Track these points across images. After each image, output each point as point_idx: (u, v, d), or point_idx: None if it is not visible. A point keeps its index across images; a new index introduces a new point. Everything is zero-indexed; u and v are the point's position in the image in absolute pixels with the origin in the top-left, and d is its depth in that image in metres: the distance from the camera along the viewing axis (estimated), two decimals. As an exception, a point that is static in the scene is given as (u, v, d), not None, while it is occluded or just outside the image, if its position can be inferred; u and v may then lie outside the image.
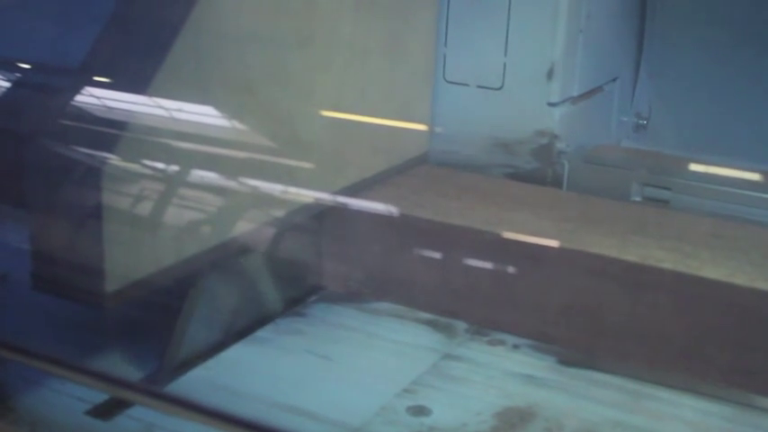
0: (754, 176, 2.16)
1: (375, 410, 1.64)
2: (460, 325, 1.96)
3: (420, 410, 1.65)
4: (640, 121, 2.79)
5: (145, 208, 1.62)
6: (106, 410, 1.56)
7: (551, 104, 2.26)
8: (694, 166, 2.21)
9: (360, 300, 2.04)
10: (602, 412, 1.67)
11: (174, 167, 1.70)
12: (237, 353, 1.83)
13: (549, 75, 2.26)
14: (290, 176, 1.91)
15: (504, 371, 1.80)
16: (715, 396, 1.71)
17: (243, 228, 1.83)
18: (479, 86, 2.32)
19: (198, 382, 1.72)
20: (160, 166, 1.68)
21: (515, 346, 1.89)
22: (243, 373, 1.76)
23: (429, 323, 1.97)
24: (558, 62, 2.26)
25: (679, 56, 2.71)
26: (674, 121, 2.77)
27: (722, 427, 1.65)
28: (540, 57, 2.27)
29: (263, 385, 1.70)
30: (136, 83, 1.60)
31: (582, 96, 2.40)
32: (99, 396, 1.57)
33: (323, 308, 2.03)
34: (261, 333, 1.90)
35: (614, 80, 2.62)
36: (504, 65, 2.29)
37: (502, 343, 1.91)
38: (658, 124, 2.79)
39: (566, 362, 1.84)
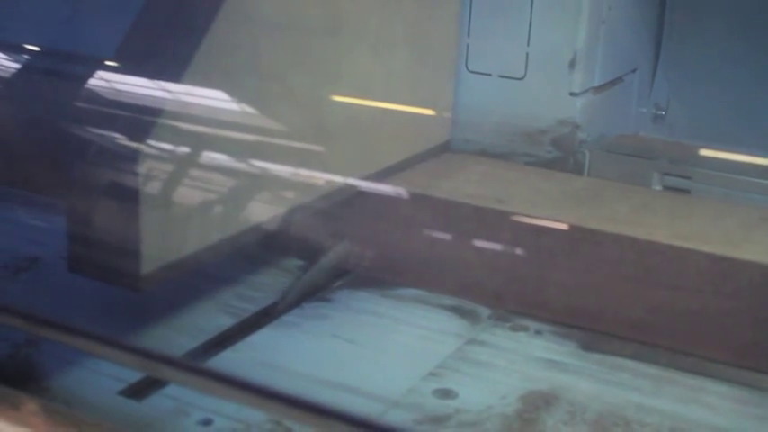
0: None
1: (402, 393, 1.67)
2: (483, 311, 1.99)
3: (446, 393, 1.68)
4: (658, 112, 2.80)
5: (179, 192, 1.66)
6: (140, 389, 1.59)
7: (573, 94, 2.28)
8: (715, 156, 2.23)
9: (384, 285, 2.07)
10: (625, 396, 1.70)
11: (205, 152, 1.73)
12: (264, 336, 1.86)
13: (572, 65, 2.29)
14: (317, 162, 1.94)
15: (527, 356, 1.83)
16: (739, 381, 1.74)
17: (272, 212, 1.86)
18: (502, 76, 2.35)
19: (230, 362, 1.75)
20: (190, 151, 1.72)
21: (538, 332, 1.92)
22: (272, 354, 1.79)
23: (452, 309, 2.00)
24: (580, 52, 2.29)
25: (698, 47, 2.72)
26: (692, 111, 2.79)
27: (746, 412, 1.67)
28: (563, 47, 2.30)
29: (296, 364, 1.73)
30: (169, 71, 1.63)
31: (603, 87, 2.42)
32: (134, 375, 1.60)
33: (347, 293, 2.06)
34: (286, 318, 1.94)
35: (634, 71, 2.64)
36: (527, 55, 2.32)
37: (525, 329, 1.93)
38: (676, 115, 2.81)
39: (587, 347, 1.86)
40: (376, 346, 1.85)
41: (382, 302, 2.03)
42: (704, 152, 2.26)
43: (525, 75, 2.32)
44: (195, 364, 1.49)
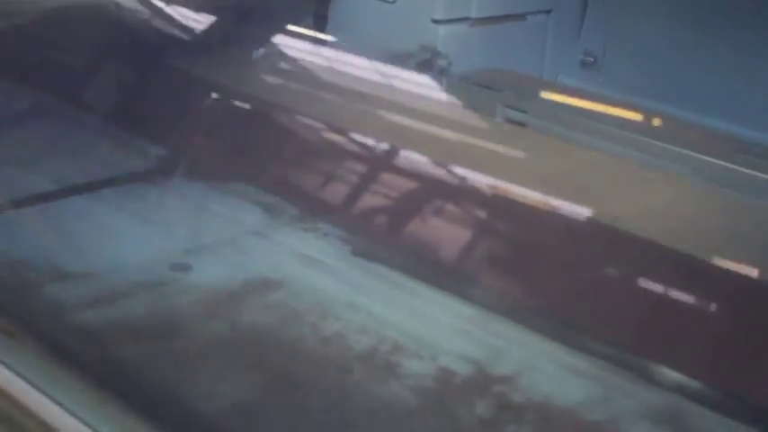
0: (612, 110, 2.18)
1: (140, 263, 1.83)
2: (293, 211, 2.09)
3: (182, 267, 1.82)
4: (587, 59, 2.78)
5: None
6: None
7: (435, 21, 2.34)
8: (552, 94, 2.25)
9: (218, 179, 2.20)
10: (352, 296, 1.77)
11: None
12: (73, 203, 2.06)
13: (438, -9, 2.33)
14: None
15: (291, 251, 1.94)
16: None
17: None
18: None
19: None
20: None
21: (325, 234, 2.01)
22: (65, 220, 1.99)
23: (265, 206, 2.08)
24: (449, -22, 2.32)
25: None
26: (625, 60, 2.75)
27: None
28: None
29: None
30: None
31: (487, 20, 2.45)
32: None
33: (183, 182, 2.20)
34: (106, 191, 2.12)
35: (547, 12, 2.63)
36: (399, -22, 2.37)
37: (316, 230, 2.02)
38: (609, 63, 2.77)
39: (359, 253, 1.94)
40: (162, 227, 2.02)
41: (207, 195, 2.17)
42: (546, 88, 2.28)
43: None
44: None
